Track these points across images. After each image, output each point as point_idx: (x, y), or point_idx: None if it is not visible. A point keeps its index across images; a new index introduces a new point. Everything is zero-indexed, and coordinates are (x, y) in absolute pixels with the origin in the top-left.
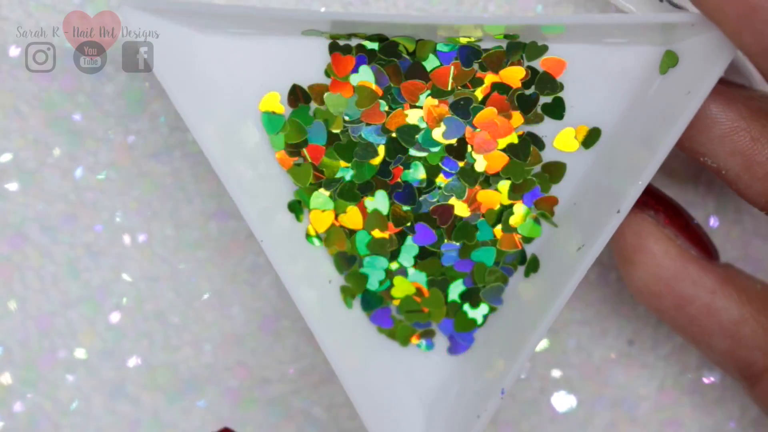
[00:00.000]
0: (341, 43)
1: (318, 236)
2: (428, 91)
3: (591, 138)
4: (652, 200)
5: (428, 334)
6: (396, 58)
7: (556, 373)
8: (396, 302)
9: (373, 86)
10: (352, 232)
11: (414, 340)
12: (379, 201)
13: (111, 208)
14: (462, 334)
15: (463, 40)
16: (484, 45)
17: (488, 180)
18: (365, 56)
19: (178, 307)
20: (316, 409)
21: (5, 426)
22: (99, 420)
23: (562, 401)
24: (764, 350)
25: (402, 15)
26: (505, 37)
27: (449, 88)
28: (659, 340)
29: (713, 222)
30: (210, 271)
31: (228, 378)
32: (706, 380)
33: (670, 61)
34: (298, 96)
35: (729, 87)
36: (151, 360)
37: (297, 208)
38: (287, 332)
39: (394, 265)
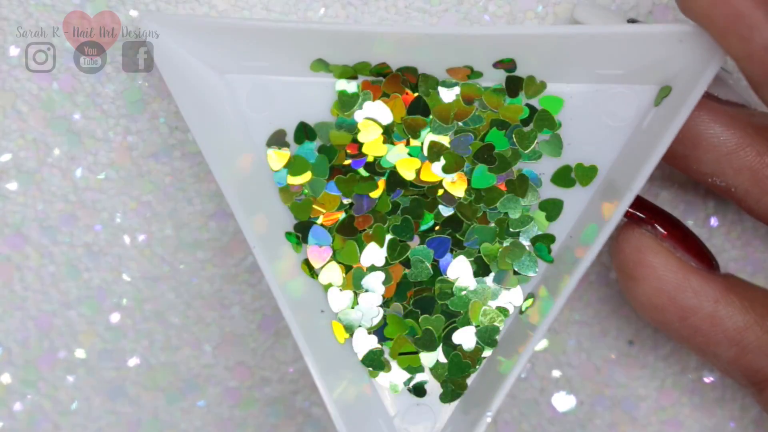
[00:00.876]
0: (348, 82)
1: (313, 271)
2: (429, 128)
3: (588, 175)
4: (648, 215)
5: (420, 385)
6: (399, 92)
7: (556, 373)
8: (389, 344)
9: (376, 122)
10: (348, 268)
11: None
12: (376, 233)
13: (111, 208)
14: (456, 380)
15: (463, 77)
16: (483, 83)
17: (486, 215)
18: (370, 92)
19: (178, 307)
20: (316, 409)
21: (5, 426)
22: (99, 420)
23: (562, 401)
24: None
25: (403, 26)
26: (501, 63)
27: (450, 124)
28: (659, 340)
29: (713, 222)
30: (210, 271)
31: (228, 378)
32: (706, 380)
33: (664, 93)
34: (304, 133)
35: (730, 107)
36: (151, 360)
37: (295, 240)
38: (287, 332)
39: (387, 306)
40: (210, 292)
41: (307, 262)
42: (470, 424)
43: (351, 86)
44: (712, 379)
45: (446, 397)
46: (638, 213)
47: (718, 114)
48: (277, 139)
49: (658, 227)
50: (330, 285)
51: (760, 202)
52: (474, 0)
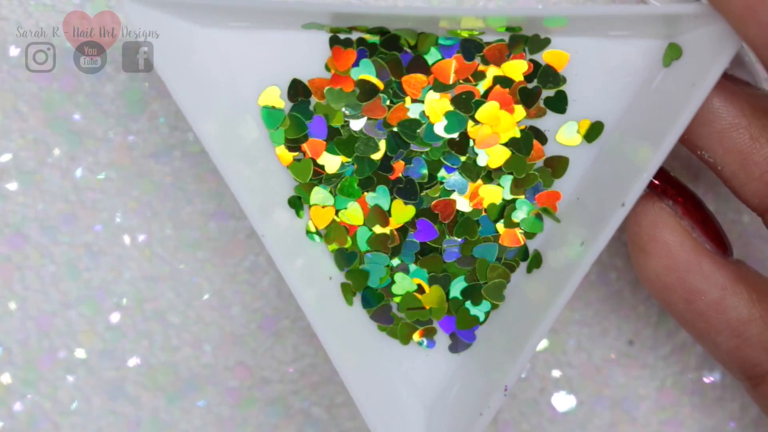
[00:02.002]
0: (342, 36)
1: (318, 233)
2: (430, 85)
3: (594, 132)
4: (672, 190)
5: (429, 332)
6: (397, 51)
7: (556, 373)
8: (397, 300)
9: (375, 80)
10: (352, 229)
11: (415, 338)
12: (380, 196)
13: (111, 208)
14: (464, 331)
15: (465, 33)
16: (486, 38)
17: (490, 175)
18: (366, 50)
19: (178, 307)
20: (316, 409)
21: (5, 426)
22: (99, 420)
23: (562, 401)
24: None
25: (404, 7)
26: (508, 29)
27: (451, 82)
28: (659, 340)
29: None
30: (210, 271)
31: (228, 378)
32: (706, 380)
33: (673, 53)
34: (298, 90)
35: (733, 82)
36: (151, 360)
37: (297, 204)
38: (287, 332)
39: (395, 262)
40: (210, 292)
41: (309, 227)
42: (484, 395)
43: (346, 41)
44: (712, 379)
45: (455, 347)
46: (662, 185)
47: (720, 89)
48: (269, 97)
49: (680, 203)
50: (335, 247)
51: (744, 187)
52: (470, 4)
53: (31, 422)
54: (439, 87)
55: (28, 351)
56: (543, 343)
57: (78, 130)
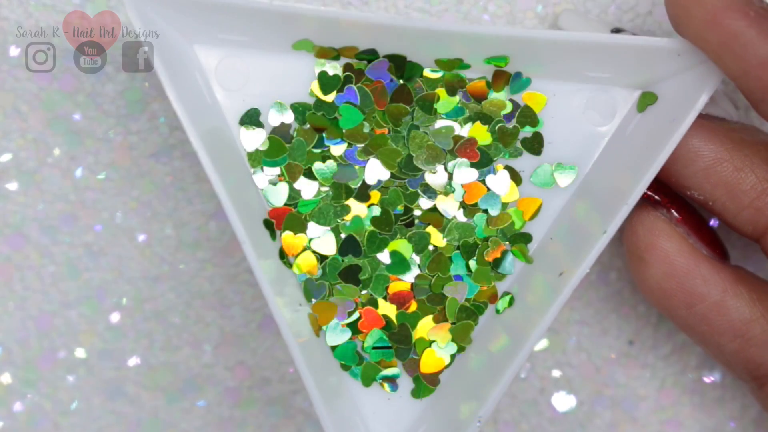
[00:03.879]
0: (328, 62)
1: (287, 260)
2: (411, 116)
3: (567, 175)
4: (665, 198)
5: (391, 378)
6: (383, 79)
7: (556, 373)
8: (361, 337)
9: (358, 107)
10: (323, 258)
11: (378, 381)
12: (354, 226)
13: (111, 208)
14: (428, 375)
15: (449, 65)
16: (468, 74)
17: (465, 212)
18: (352, 75)
19: (178, 307)
20: None
21: (5, 426)
22: (99, 420)
23: (562, 401)
24: None
25: (391, 17)
26: (492, 62)
27: (433, 114)
28: (659, 340)
29: (713, 222)
30: (210, 271)
31: (228, 378)
32: (706, 380)
33: (648, 100)
34: (281, 113)
35: (709, 120)
36: (151, 360)
37: (271, 227)
38: None
39: (363, 297)
40: (210, 292)
41: (282, 251)
42: (454, 430)
43: (332, 67)
44: (712, 379)
45: (418, 392)
46: (655, 195)
47: (698, 128)
48: (250, 118)
49: (674, 212)
50: (305, 275)
51: (737, 217)
52: (474, 0)
53: (31, 422)
54: (421, 118)
55: (28, 351)
56: (543, 343)
57: (78, 130)
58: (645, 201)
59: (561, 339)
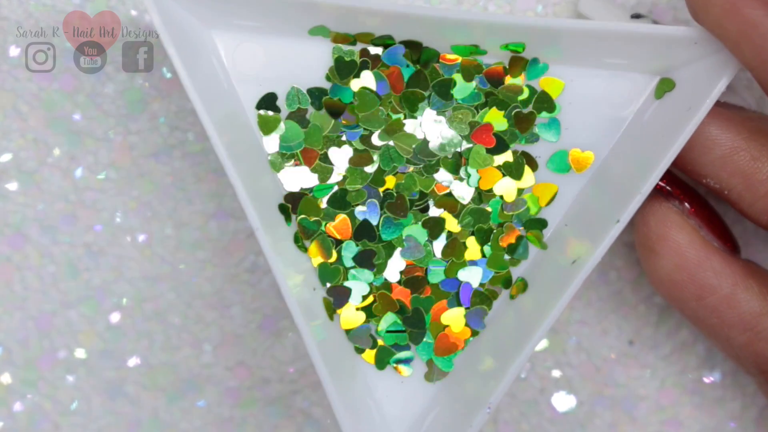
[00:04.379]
0: (345, 48)
1: (303, 244)
2: (428, 102)
3: (583, 162)
4: (678, 190)
5: (405, 362)
6: (399, 65)
7: (556, 373)
8: (376, 321)
9: (374, 92)
10: (338, 243)
11: (391, 365)
12: (369, 211)
13: (111, 208)
14: (442, 359)
15: (466, 51)
16: (485, 60)
17: (480, 197)
18: (368, 61)
19: (178, 307)
20: (316, 409)
21: (5, 426)
22: (99, 420)
23: (562, 401)
24: None
25: (410, 6)
26: (510, 49)
27: (449, 100)
28: (659, 340)
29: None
30: (210, 271)
31: (228, 378)
32: (706, 380)
33: (666, 86)
34: (297, 99)
35: (727, 109)
36: (151, 360)
37: (287, 211)
38: (287, 332)
39: (378, 280)
40: (210, 292)
41: (297, 235)
42: (465, 415)
43: (348, 52)
44: (712, 379)
45: (431, 376)
46: (668, 187)
47: (715, 116)
48: (267, 103)
49: (686, 204)
50: (320, 259)
51: (752, 207)
52: (474, 0)
53: (31, 422)
54: (437, 104)
55: (28, 351)
56: (543, 343)
57: (78, 130)
58: (657, 192)
59: (561, 339)
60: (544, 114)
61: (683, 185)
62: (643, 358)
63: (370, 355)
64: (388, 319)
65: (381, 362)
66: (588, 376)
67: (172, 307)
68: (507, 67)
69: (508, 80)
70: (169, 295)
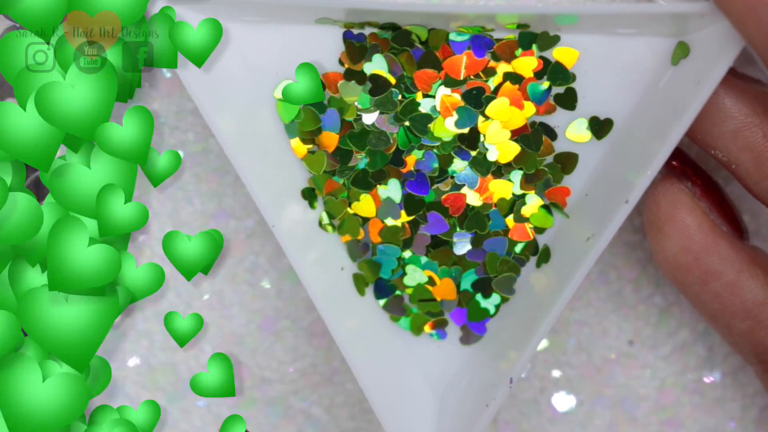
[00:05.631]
0: (355, 32)
1: (331, 224)
2: (441, 81)
3: (603, 129)
4: (690, 171)
5: (440, 324)
6: (409, 47)
7: (556, 373)
8: (409, 291)
9: (387, 75)
10: (365, 221)
11: (427, 329)
12: (392, 189)
13: None
14: (475, 323)
15: (475, 30)
16: (496, 35)
17: (500, 170)
18: (378, 45)
19: (178, 307)
20: (316, 409)
21: None
22: None
23: (562, 401)
24: None
25: (415, 3)
26: (517, 27)
27: (462, 78)
28: (659, 340)
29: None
30: (210, 271)
31: None
32: (706, 380)
33: (682, 52)
34: None
35: (744, 81)
36: (151, 360)
37: (311, 195)
38: (287, 332)
39: (406, 254)
40: (210, 292)
41: (321, 218)
42: (491, 386)
43: (359, 36)
44: (712, 379)
45: (466, 339)
46: (681, 166)
47: (731, 87)
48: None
49: (697, 186)
50: (348, 238)
51: (759, 184)
52: (473, 0)
53: None
54: (450, 82)
55: None
56: (543, 343)
57: None
58: (670, 172)
59: (561, 339)
60: (560, 84)
61: (696, 166)
62: (643, 358)
63: (405, 322)
64: (420, 290)
65: (416, 328)
66: (588, 376)
67: (172, 307)
68: (518, 40)
69: (520, 53)
70: (169, 295)
